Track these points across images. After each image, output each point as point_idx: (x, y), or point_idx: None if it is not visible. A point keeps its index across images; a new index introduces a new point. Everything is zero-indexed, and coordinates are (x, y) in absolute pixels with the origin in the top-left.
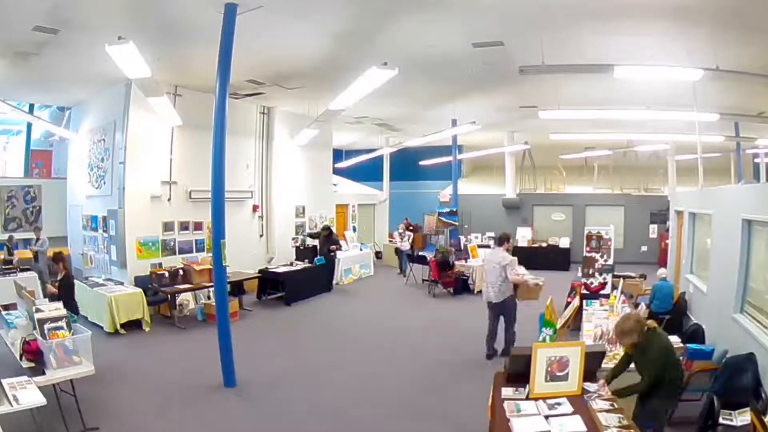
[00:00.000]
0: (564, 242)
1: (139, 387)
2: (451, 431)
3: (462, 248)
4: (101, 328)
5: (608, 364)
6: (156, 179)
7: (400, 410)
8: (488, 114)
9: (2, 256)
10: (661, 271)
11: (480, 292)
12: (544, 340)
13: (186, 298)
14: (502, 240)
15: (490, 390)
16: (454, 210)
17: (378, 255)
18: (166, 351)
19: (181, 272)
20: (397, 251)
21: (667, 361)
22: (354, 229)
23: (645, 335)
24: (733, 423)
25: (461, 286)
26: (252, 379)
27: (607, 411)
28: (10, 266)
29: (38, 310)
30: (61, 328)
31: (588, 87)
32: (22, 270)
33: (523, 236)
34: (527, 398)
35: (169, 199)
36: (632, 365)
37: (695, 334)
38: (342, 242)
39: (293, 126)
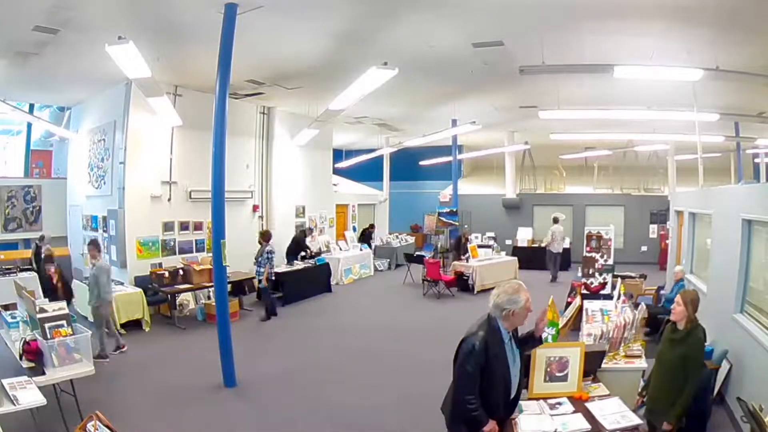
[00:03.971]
0: (564, 242)
1: (139, 387)
2: None
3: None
4: None
5: (608, 364)
6: (156, 179)
7: (400, 410)
8: (488, 114)
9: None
10: (679, 269)
11: (480, 292)
12: (546, 340)
13: (186, 298)
14: None
15: None
16: (454, 210)
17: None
18: (166, 351)
19: (181, 272)
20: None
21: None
22: (354, 229)
23: (693, 323)
24: None
25: (462, 286)
26: (252, 379)
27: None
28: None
29: (41, 310)
30: (63, 326)
31: (588, 87)
32: (22, 270)
33: (523, 236)
34: (527, 398)
35: (169, 199)
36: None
37: None
38: (342, 242)
39: (293, 126)
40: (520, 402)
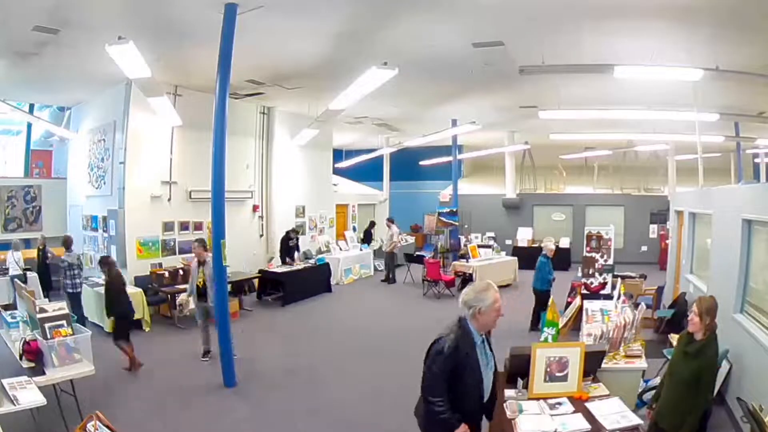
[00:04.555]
0: (564, 242)
1: (139, 387)
2: None
3: (462, 248)
4: (101, 328)
5: (608, 364)
6: (156, 179)
7: (399, 410)
8: (488, 114)
9: None
10: None
11: None
12: (546, 339)
13: (186, 298)
14: None
15: None
16: (454, 210)
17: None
18: (166, 351)
19: (181, 272)
20: None
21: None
22: (354, 229)
23: (711, 332)
24: None
25: (463, 286)
26: (252, 379)
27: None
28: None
29: (41, 310)
30: (63, 326)
31: (588, 87)
32: (24, 270)
33: (523, 236)
34: (528, 398)
35: (169, 199)
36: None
37: None
38: (342, 242)
39: (293, 126)
40: (520, 402)
